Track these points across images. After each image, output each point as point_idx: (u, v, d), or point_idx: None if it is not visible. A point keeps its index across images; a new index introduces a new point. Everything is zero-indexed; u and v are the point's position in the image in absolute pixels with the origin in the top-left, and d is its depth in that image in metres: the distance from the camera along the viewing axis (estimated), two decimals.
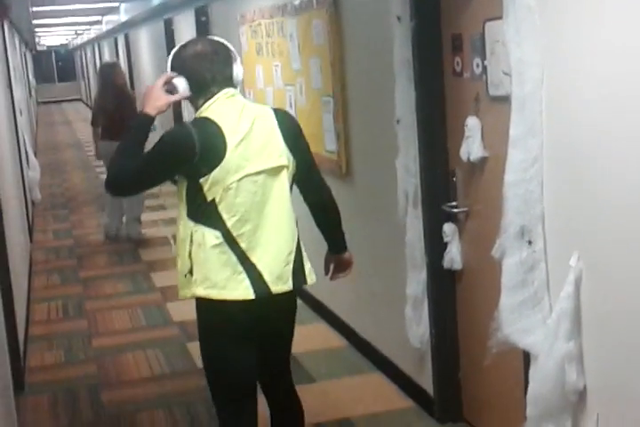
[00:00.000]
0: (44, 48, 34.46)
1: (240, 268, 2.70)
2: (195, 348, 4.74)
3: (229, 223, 2.68)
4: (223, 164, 2.64)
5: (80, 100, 31.66)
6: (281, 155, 2.75)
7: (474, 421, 3.61)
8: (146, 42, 12.69)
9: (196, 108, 2.80)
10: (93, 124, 8.00)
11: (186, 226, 2.73)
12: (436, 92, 3.46)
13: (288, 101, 5.22)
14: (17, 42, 14.23)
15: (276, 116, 2.80)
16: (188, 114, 8.68)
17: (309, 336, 4.79)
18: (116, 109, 7.61)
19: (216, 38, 2.88)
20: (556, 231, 2.63)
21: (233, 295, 2.70)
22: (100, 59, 20.99)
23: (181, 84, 2.76)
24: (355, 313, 4.70)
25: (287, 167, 2.78)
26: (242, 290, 2.70)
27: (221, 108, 2.72)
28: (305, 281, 2.85)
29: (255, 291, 2.70)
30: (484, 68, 3.05)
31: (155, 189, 9.89)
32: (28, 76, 19.38)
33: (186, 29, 9.07)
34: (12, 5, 7.83)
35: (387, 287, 4.15)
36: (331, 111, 4.54)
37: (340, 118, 4.45)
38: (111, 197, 8.05)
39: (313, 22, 4.65)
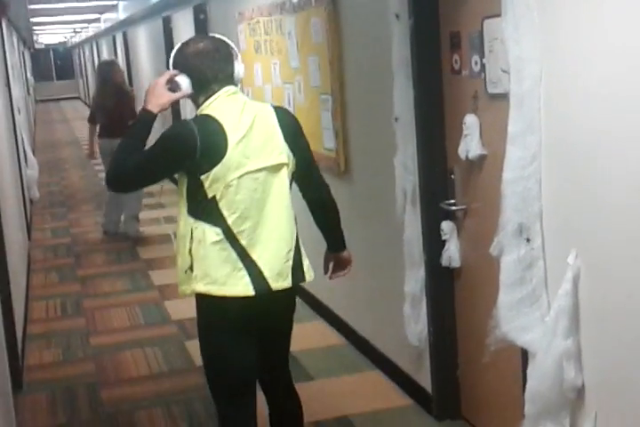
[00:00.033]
0: (43, 46, 34.44)
1: (240, 264, 2.71)
2: (193, 346, 4.76)
3: (230, 220, 2.69)
4: (224, 161, 2.66)
5: (78, 98, 31.63)
6: (281, 152, 2.76)
7: (472, 418, 3.62)
8: (144, 40, 12.68)
9: (197, 106, 2.81)
10: (90, 121, 8.00)
11: (186, 222, 2.74)
12: (435, 89, 3.46)
13: (286, 99, 5.22)
14: (15, 40, 14.22)
15: (277, 113, 2.81)
16: (185, 113, 8.68)
17: (308, 334, 4.79)
18: (115, 107, 7.62)
19: (217, 36, 2.89)
20: (554, 229, 2.63)
21: (233, 292, 2.71)
22: (99, 57, 20.97)
23: (184, 81, 2.78)
24: (353, 311, 4.70)
25: (287, 165, 2.79)
26: (242, 286, 2.71)
27: (222, 106, 2.74)
28: (304, 278, 2.86)
29: (255, 287, 2.71)
30: (483, 65, 3.05)
31: (154, 188, 9.91)
32: (26, 74, 19.36)
33: (184, 27, 9.06)
34: (10, 3, 7.82)
35: (385, 285, 4.15)
36: (329, 109, 4.54)
37: (338, 116, 4.45)
38: (109, 195, 8.08)
39: (311, 20, 4.65)
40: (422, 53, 3.43)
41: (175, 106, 9.08)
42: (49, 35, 27.95)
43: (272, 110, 2.82)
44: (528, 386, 2.70)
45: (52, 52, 37.28)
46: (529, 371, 2.71)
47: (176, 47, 2.86)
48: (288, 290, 2.81)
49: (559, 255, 2.56)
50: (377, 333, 4.37)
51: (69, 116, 24.45)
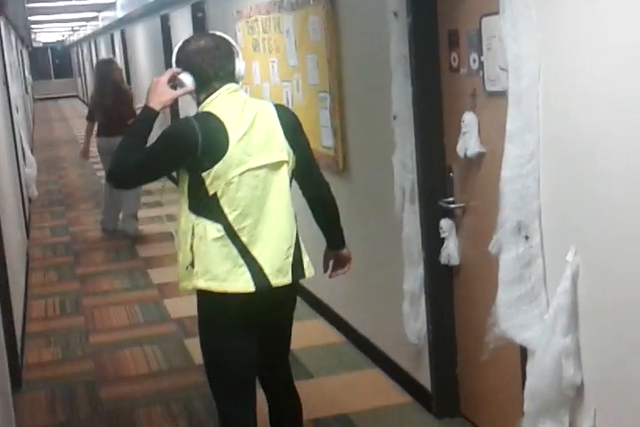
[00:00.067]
0: (41, 45, 34.42)
1: (241, 261, 2.72)
2: (192, 344, 4.77)
3: (231, 217, 2.71)
4: (225, 158, 2.67)
5: (76, 96, 31.61)
6: (281, 150, 2.78)
7: (471, 416, 3.62)
8: (142, 38, 12.67)
9: (199, 104, 2.82)
10: (89, 119, 8.00)
11: (187, 219, 2.75)
12: (433, 87, 3.46)
13: (285, 97, 5.22)
14: (13, 38, 14.20)
15: (277, 111, 2.83)
16: (184, 112, 8.67)
17: (307, 332, 4.79)
18: (114, 106, 7.62)
19: (219, 33, 2.89)
20: (552, 226, 2.63)
21: (234, 288, 2.73)
22: (97, 55, 20.96)
23: (187, 79, 2.79)
24: (352, 309, 4.71)
25: (288, 162, 2.80)
26: (242, 283, 2.72)
27: (223, 104, 2.75)
28: (303, 274, 2.87)
29: (255, 284, 2.73)
30: (481, 63, 3.05)
31: (153, 186, 9.90)
32: (24, 72, 19.33)
33: (182, 26, 9.06)
34: (8, 2, 7.82)
35: (384, 283, 4.15)
36: (327, 107, 4.54)
37: (336, 114, 4.45)
38: (108, 194, 8.09)
39: (309, 18, 4.64)
40: (420, 51, 3.43)
41: (174, 106, 9.08)
42: (47, 33, 27.94)
43: (273, 108, 2.84)
44: (527, 384, 2.71)
45: (50, 51, 37.24)
46: (528, 369, 2.71)
47: (178, 45, 2.87)
48: (288, 286, 2.82)
49: (558, 253, 2.57)
50: (376, 331, 4.37)
51: (67, 114, 24.44)
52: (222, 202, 2.70)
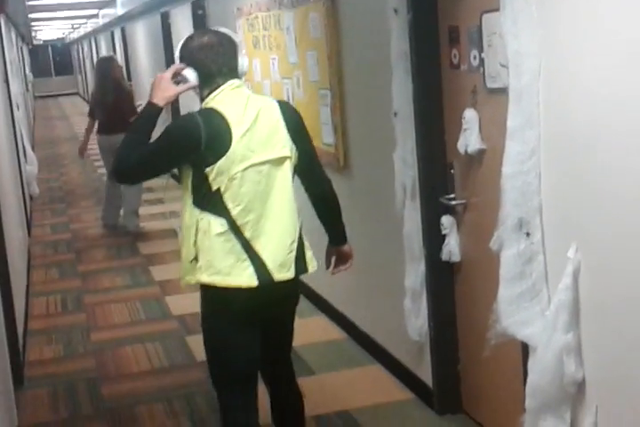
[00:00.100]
0: (41, 42, 34.40)
1: (244, 255, 2.73)
2: (194, 341, 4.77)
3: (234, 212, 2.72)
4: (229, 154, 2.68)
5: (77, 94, 31.60)
6: (284, 146, 2.79)
7: (473, 412, 3.62)
8: (142, 35, 12.67)
9: (202, 99, 2.84)
10: (91, 115, 8.01)
11: (192, 214, 2.77)
12: (434, 84, 3.46)
13: (285, 95, 5.22)
14: (13, 36, 14.20)
15: (280, 107, 2.84)
16: (184, 109, 8.67)
17: (309, 329, 4.80)
18: (115, 104, 7.62)
19: (222, 30, 2.90)
20: (553, 223, 2.63)
21: (237, 282, 2.74)
22: (97, 53, 20.96)
23: (190, 74, 2.80)
24: (353, 306, 4.71)
25: (290, 158, 2.82)
26: (245, 277, 2.73)
27: (227, 99, 2.76)
28: (306, 269, 2.89)
29: (258, 278, 2.74)
30: (482, 60, 3.05)
31: (154, 183, 9.91)
32: (24, 70, 19.33)
33: (182, 23, 9.05)
34: None
35: (385, 280, 4.16)
36: (328, 104, 4.54)
37: (337, 111, 4.45)
38: (108, 189, 8.10)
39: (310, 15, 4.64)
40: (421, 48, 3.43)
41: (174, 103, 9.08)
42: (47, 30, 27.93)
43: (276, 104, 2.85)
44: (529, 380, 2.71)
45: (50, 48, 37.23)
46: (529, 365, 2.72)
47: (181, 41, 2.89)
48: (291, 281, 2.84)
49: (559, 249, 2.57)
50: (377, 327, 4.38)
51: (68, 112, 24.43)
52: (226, 197, 2.71)
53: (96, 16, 18.40)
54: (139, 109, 7.58)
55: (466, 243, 3.44)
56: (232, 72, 2.81)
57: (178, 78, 2.82)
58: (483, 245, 2.97)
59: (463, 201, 3.41)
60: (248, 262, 2.73)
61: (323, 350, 4.60)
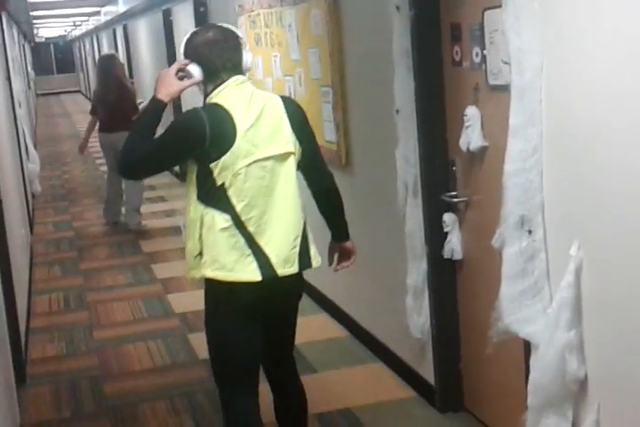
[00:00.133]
0: (43, 40, 34.40)
1: (248, 251, 2.75)
2: (196, 339, 4.77)
3: (238, 208, 2.73)
4: (233, 149, 2.69)
5: (79, 91, 31.61)
6: (288, 142, 2.81)
7: (475, 410, 3.62)
8: (144, 33, 12.66)
9: (206, 95, 2.85)
10: (92, 113, 8.02)
11: (196, 209, 2.78)
12: (436, 81, 3.45)
13: (287, 92, 5.21)
14: (15, 34, 14.20)
15: (284, 103, 2.86)
16: (186, 106, 8.67)
17: (311, 327, 4.79)
18: (116, 102, 7.62)
19: (226, 25, 2.91)
20: (556, 220, 2.62)
21: (241, 277, 2.75)
22: (99, 50, 20.96)
23: (195, 70, 2.81)
24: (355, 304, 4.71)
25: (294, 154, 2.83)
26: (249, 272, 2.75)
27: (231, 95, 2.78)
28: (310, 264, 2.89)
29: (262, 273, 2.75)
30: (484, 57, 3.04)
31: (156, 181, 9.91)
32: (26, 68, 19.34)
33: (184, 20, 9.05)
34: None
35: (387, 277, 4.15)
36: (330, 102, 4.54)
37: (339, 109, 4.44)
38: (108, 187, 8.10)
39: (312, 12, 4.63)
40: (423, 45, 3.42)
41: (176, 101, 9.08)
42: (49, 28, 27.92)
43: (280, 100, 2.86)
44: (531, 378, 2.71)
45: (52, 46, 37.25)
46: (531, 363, 2.71)
47: (186, 37, 2.90)
48: (294, 276, 2.85)
49: (561, 247, 2.56)
50: (379, 325, 4.38)
51: (70, 109, 24.44)
52: (230, 193, 2.73)
53: (98, 13, 18.40)
54: (140, 107, 7.66)
55: (468, 240, 3.43)
56: (236, 68, 2.82)
57: (182, 74, 2.83)
58: (485, 243, 2.97)
59: (465, 199, 3.40)
60: (252, 258, 2.75)
61: (325, 348, 4.59)
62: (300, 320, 3.08)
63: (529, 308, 2.70)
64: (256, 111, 2.75)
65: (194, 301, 5.33)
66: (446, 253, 3.49)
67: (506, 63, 2.75)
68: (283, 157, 2.79)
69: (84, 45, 27.59)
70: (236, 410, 2.94)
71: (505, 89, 2.76)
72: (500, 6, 2.68)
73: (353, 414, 3.80)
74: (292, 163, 2.82)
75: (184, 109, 2.92)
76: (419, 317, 3.73)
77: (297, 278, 2.89)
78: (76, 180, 11.60)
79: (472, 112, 3.16)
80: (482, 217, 3.28)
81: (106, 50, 18.45)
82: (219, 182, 2.72)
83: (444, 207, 3.48)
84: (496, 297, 2.81)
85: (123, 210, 8.16)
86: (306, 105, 4.80)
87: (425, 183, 3.54)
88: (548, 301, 2.65)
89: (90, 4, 15.97)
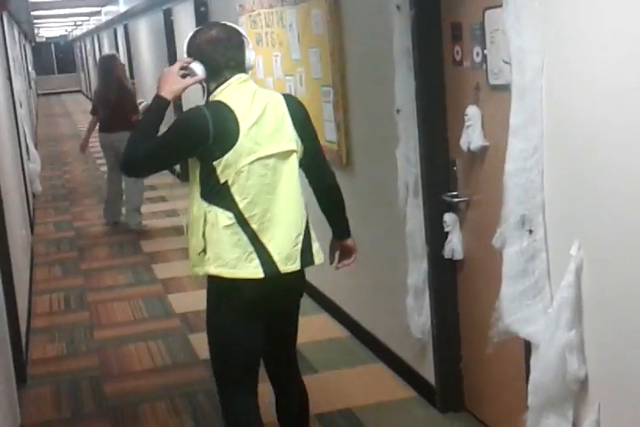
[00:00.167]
0: (44, 40, 34.42)
1: (251, 248, 2.76)
2: (197, 339, 4.77)
3: (241, 205, 2.75)
4: (236, 147, 2.71)
5: (80, 91, 31.62)
6: (290, 140, 2.82)
7: (475, 410, 3.62)
8: (145, 32, 12.66)
9: (209, 93, 2.86)
10: (93, 113, 8.04)
11: (200, 206, 2.79)
12: (436, 81, 3.45)
13: (288, 92, 5.21)
14: (16, 33, 14.20)
15: (286, 101, 2.87)
16: (187, 106, 8.66)
17: (311, 327, 4.79)
18: (118, 102, 7.63)
19: (229, 24, 2.92)
20: (556, 220, 2.62)
21: (243, 274, 2.77)
22: (100, 50, 20.96)
23: (198, 68, 2.82)
24: (356, 304, 4.70)
25: (296, 152, 2.85)
26: (252, 269, 2.76)
27: (234, 93, 2.79)
28: (312, 261, 2.90)
29: (264, 270, 2.77)
30: (484, 56, 3.04)
31: (156, 181, 9.90)
32: (27, 67, 19.34)
33: (185, 20, 9.04)
34: None
35: (388, 277, 4.15)
36: (331, 101, 4.53)
37: (339, 108, 4.44)
38: (110, 188, 8.11)
39: (312, 12, 4.63)
40: (423, 45, 3.42)
41: (177, 101, 9.08)
42: (50, 28, 27.93)
43: (282, 98, 2.88)
44: (531, 378, 2.70)
45: (53, 46, 37.26)
46: (532, 363, 2.71)
47: (189, 35, 2.90)
48: (296, 273, 2.86)
49: (562, 247, 2.56)
50: (380, 325, 4.37)
51: (71, 109, 24.44)
52: (233, 190, 2.74)
53: (99, 13, 18.40)
54: (140, 107, 7.68)
55: (468, 240, 3.43)
56: (239, 66, 2.83)
57: (185, 72, 2.84)
58: (485, 243, 2.96)
59: (466, 198, 3.40)
60: (254, 255, 2.76)
61: (325, 349, 4.59)
62: (300, 320, 3.08)
63: (529, 308, 2.70)
64: (259, 109, 2.76)
65: (194, 301, 5.34)
66: (447, 253, 3.49)
67: (506, 63, 2.74)
68: (285, 155, 2.80)
69: (85, 45, 27.59)
70: (236, 410, 2.94)
71: (506, 89, 2.76)
72: (500, 6, 2.68)
73: (353, 415, 3.80)
74: (294, 161, 2.83)
75: (184, 109, 2.92)
76: (419, 317, 3.73)
77: (299, 275, 2.90)
78: (76, 180, 11.60)
79: (473, 112, 3.16)
80: (482, 217, 3.27)
81: (107, 50, 18.46)
82: (222, 180, 2.73)
83: (444, 207, 3.48)
84: (497, 297, 2.80)
85: (123, 210, 8.16)
86: (307, 105, 4.76)
87: (426, 183, 3.54)
88: (549, 301, 2.65)
89: (90, 3, 15.98)
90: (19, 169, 7.55)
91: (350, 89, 4.34)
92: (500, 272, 2.79)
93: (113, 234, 7.99)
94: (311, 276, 3.02)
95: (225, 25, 2.90)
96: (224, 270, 2.77)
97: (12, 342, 4.16)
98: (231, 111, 2.72)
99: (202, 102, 2.85)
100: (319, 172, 2.99)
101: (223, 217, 2.75)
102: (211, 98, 2.83)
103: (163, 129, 2.82)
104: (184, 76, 2.84)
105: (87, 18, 21.54)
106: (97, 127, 7.96)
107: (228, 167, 2.72)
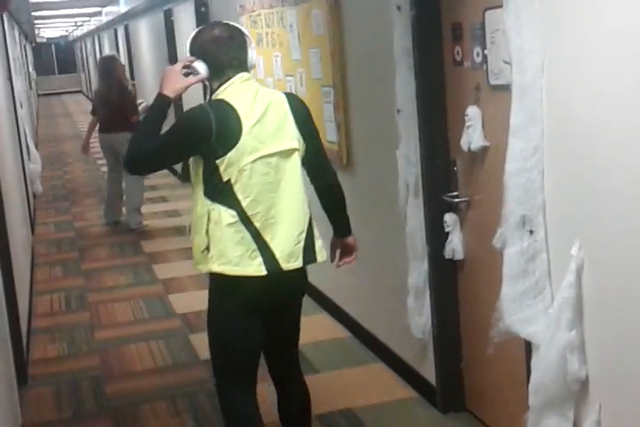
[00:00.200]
0: (44, 40, 34.42)
1: (254, 246, 2.78)
2: (197, 339, 4.77)
3: (244, 203, 2.77)
4: (239, 145, 2.72)
5: (80, 92, 31.62)
6: (292, 138, 2.84)
7: (476, 411, 3.62)
8: (146, 33, 12.66)
9: (212, 92, 2.87)
10: (93, 113, 8.06)
11: (203, 204, 2.81)
12: (437, 81, 3.45)
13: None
14: (16, 34, 14.20)
15: (288, 100, 2.89)
16: (187, 106, 8.66)
17: (312, 327, 4.77)
18: (118, 103, 7.63)
19: (232, 23, 2.94)
20: (557, 220, 2.62)
21: (246, 272, 2.79)
22: (101, 50, 20.96)
23: (201, 67, 2.84)
24: (357, 304, 4.70)
25: (298, 150, 2.86)
26: (255, 267, 2.78)
27: (237, 92, 2.80)
28: (315, 258, 2.91)
29: (267, 267, 2.79)
30: (485, 56, 3.04)
31: (157, 181, 9.90)
32: (27, 68, 19.34)
33: (185, 20, 9.04)
34: None
35: (388, 278, 4.15)
36: (331, 101, 4.53)
37: (340, 109, 4.44)
38: (110, 188, 8.11)
39: (313, 12, 4.63)
40: (424, 45, 3.42)
41: (178, 101, 9.07)
42: (50, 28, 27.94)
43: (284, 97, 2.89)
44: (532, 378, 2.70)
45: (53, 46, 37.26)
46: (533, 363, 2.71)
47: (192, 34, 2.92)
48: (299, 270, 2.88)
49: (562, 247, 2.56)
50: (381, 325, 4.37)
51: (71, 109, 24.45)
52: (236, 188, 2.76)
53: (99, 14, 18.41)
54: (140, 107, 7.70)
55: (469, 240, 3.43)
56: (242, 65, 2.85)
57: (188, 70, 2.85)
58: (486, 243, 2.96)
59: (466, 198, 3.40)
60: (257, 253, 2.78)
61: (326, 349, 4.59)
62: (301, 320, 3.08)
63: (530, 308, 2.70)
64: (261, 108, 2.78)
65: (195, 301, 5.34)
66: (447, 254, 3.49)
67: (507, 63, 2.74)
68: (287, 154, 2.82)
69: (86, 46, 27.59)
70: (236, 410, 2.96)
71: (506, 89, 2.76)
72: (500, 6, 2.68)
73: (354, 415, 3.80)
74: (296, 159, 2.85)
75: (185, 109, 2.93)
76: (420, 317, 3.73)
77: (301, 273, 2.92)
78: (77, 180, 11.60)
79: (473, 112, 3.16)
80: (483, 217, 3.28)
81: (107, 50, 18.46)
82: (225, 178, 2.75)
83: (445, 207, 3.48)
84: (497, 297, 2.80)
85: (124, 210, 8.17)
86: (307, 105, 4.81)
87: (426, 183, 3.54)
88: (550, 301, 2.65)
89: (91, 4, 15.99)
90: (19, 169, 7.55)
91: (351, 89, 4.34)
92: (500, 272, 2.79)
93: (113, 234, 7.98)
94: (312, 276, 3.02)
95: (227, 24, 2.91)
96: (227, 268, 2.78)
97: (12, 342, 4.16)
98: (234, 110, 2.74)
99: (202, 102, 2.86)
100: (321, 170, 3.00)
101: (226, 215, 2.76)
102: (213, 97, 2.84)
103: (165, 128, 2.83)
104: (187, 75, 2.85)
105: (88, 18, 21.55)
106: (97, 128, 7.97)
107: (231, 166, 2.73)
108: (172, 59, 9.84)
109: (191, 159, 2.85)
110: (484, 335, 3.01)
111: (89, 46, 26.05)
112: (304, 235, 2.86)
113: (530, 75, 2.57)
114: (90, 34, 24.16)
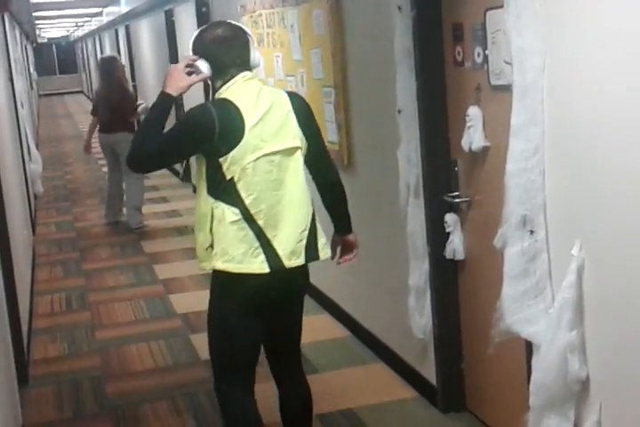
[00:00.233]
0: (45, 40, 34.43)
1: (257, 243, 2.79)
2: (198, 340, 4.77)
3: (247, 201, 2.78)
4: (242, 144, 2.74)
5: (81, 92, 31.64)
6: (295, 137, 2.85)
7: (477, 411, 3.62)
8: (147, 33, 12.66)
9: (214, 91, 2.89)
10: (93, 113, 8.07)
11: (207, 202, 2.82)
12: (438, 81, 3.45)
13: None
14: (17, 34, 14.20)
15: (290, 99, 2.90)
16: (188, 106, 8.67)
17: (312, 327, 4.75)
18: (119, 103, 7.64)
19: (235, 23, 2.94)
20: (557, 220, 2.62)
21: (249, 269, 2.80)
22: (101, 51, 20.97)
23: (203, 66, 2.85)
24: (357, 304, 4.71)
25: (301, 148, 2.87)
26: (257, 264, 2.80)
27: (239, 91, 2.82)
28: (317, 256, 2.92)
29: (270, 265, 2.80)
30: (486, 57, 3.04)
31: (158, 182, 9.90)
32: (28, 68, 19.34)
33: (186, 20, 9.05)
34: None
35: (389, 278, 4.15)
36: (332, 102, 4.53)
37: (341, 109, 4.44)
38: (110, 188, 8.12)
39: (314, 12, 4.63)
40: (425, 45, 3.42)
41: (178, 101, 9.08)
42: (51, 29, 27.95)
43: (286, 96, 2.90)
44: (533, 378, 2.70)
45: (54, 47, 37.26)
46: (533, 363, 2.71)
47: (195, 33, 2.93)
48: (301, 267, 2.89)
49: (563, 247, 2.56)
50: (381, 325, 4.37)
51: (72, 110, 24.46)
52: (239, 186, 2.77)
53: (100, 14, 18.41)
54: (139, 108, 7.72)
55: (470, 241, 3.43)
56: (245, 64, 2.86)
57: (191, 69, 2.87)
58: (486, 243, 2.96)
59: (467, 199, 3.40)
60: (260, 250, 2.79)
61: (326, 349, 4.59)
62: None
63: (531, 308, 2.70)
64: (264, 107, 2.79)
65: (196, 301, 5.34)
66: (448, 254, 3.49)
67: (508, 63, 2.75)
68: (290, 152, 2.83)
69: (87, 46, 27.60)
70: (234, 409, 2.97)
71: (507, 89, 2.76)
72: (501, 6, 2.68)
73: (355, 415, 3.80)
74: (299, 157, 2.86)
75: (186, 109, 2.94)
76: (420, 317, 3.73)
77: (303, 270, 2.93)
78: (78, 180, 11.61)
79: (474, 112, 3.16)
80: (484, 217, 3.28)
81: (108, 50, 18.46)
82: (228, 176, 2.76)
83: (445, 207, 3.48)
84: (498, 297, 2.80)
85: (124, 210, 8.17)
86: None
87: (427, 183, 3.54)
88: (550, 301, 2.65)
89: (92, 4, 15.99)
90: (20, 170, 7.55)
91: (351, 89, 4.34)
92: (501, 272, 2.79)
93: (114, 234, 7.99)
94: (312, 276, 3.02)
95: (230, 24, 2.92)
96: (231, 265, 2.80)
97: (13, 342, 4.16)
98: (237, 108, 2.75)
99: (203, 101, 2.87)
100: (323, 168, 3.02)
101: (229, 213, 2.77)
102: (216, 95, 2.86)
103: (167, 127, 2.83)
104: (190, 74, 2.86)
105: (89, 19, 21.56)
106: (97, 128, 7.98)
107: (234, 164, 2.74)
108: (173, 59, 9.84)
109: (194, 158, 2.86)
110: (484, 335, 3.01)
111: (90, 47, 26.06)
112: (306, 233, 2.87)
113: (531, 75, 2.57)
114: (91, 34, 24.17)
